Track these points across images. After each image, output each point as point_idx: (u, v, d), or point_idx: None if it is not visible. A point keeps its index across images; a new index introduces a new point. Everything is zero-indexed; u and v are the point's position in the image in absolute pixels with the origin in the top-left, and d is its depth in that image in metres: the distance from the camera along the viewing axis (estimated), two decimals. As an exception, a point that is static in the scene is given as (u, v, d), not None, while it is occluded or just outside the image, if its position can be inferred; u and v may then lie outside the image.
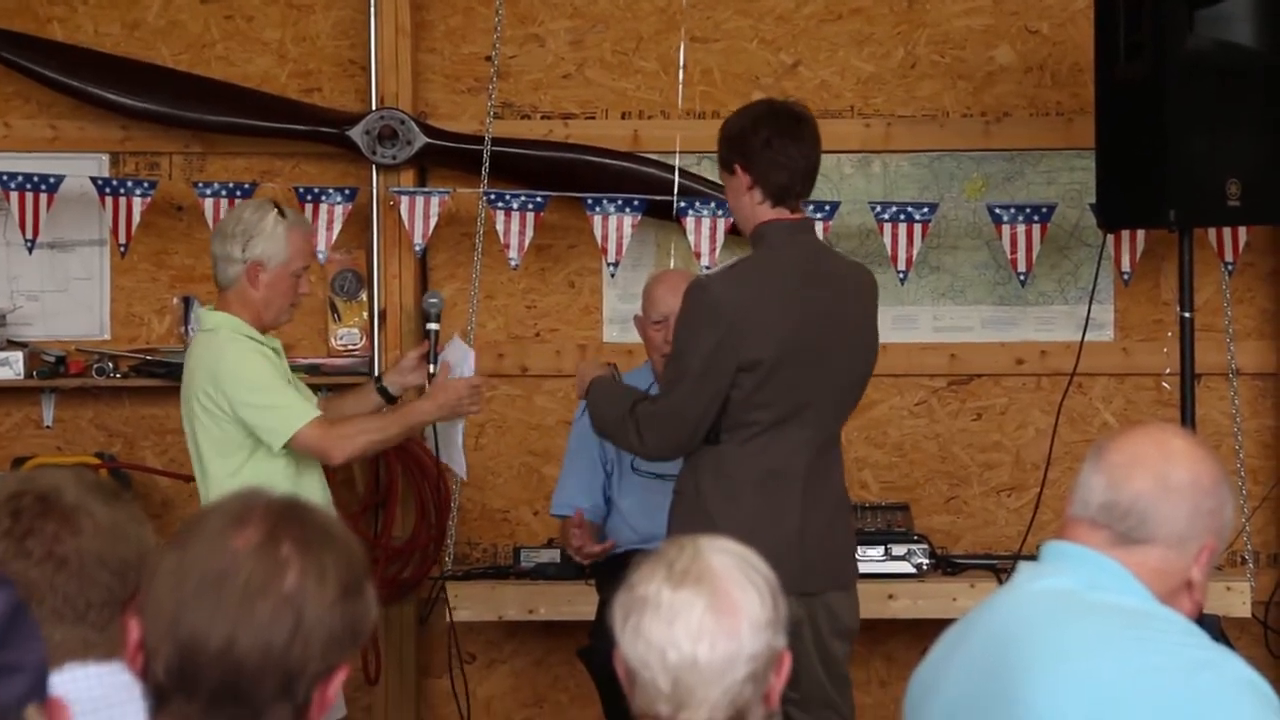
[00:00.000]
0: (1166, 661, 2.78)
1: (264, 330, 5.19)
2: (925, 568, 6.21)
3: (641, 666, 2.61)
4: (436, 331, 5.44)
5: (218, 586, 2.25)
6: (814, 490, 4.83)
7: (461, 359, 5.45)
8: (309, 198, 6.63)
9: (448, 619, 6.40)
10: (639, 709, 2.64)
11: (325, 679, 2.29)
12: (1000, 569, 6.24)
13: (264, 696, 2.25)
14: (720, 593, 2.62)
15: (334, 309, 6.86)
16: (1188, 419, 5.96)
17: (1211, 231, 6.45)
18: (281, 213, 5.19)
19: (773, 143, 4.80)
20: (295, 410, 5.08)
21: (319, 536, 2.30)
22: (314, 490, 5.09)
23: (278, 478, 5.05)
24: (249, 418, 5.06)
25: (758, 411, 4.80)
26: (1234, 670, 2.79)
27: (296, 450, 5.09)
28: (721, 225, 6.54)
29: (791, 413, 4.81)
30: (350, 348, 6.84)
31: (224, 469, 5.12)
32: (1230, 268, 6.55)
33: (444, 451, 5.51)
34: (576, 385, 5.32)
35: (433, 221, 6.61)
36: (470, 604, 6.34)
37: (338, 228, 6.63)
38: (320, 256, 6.66)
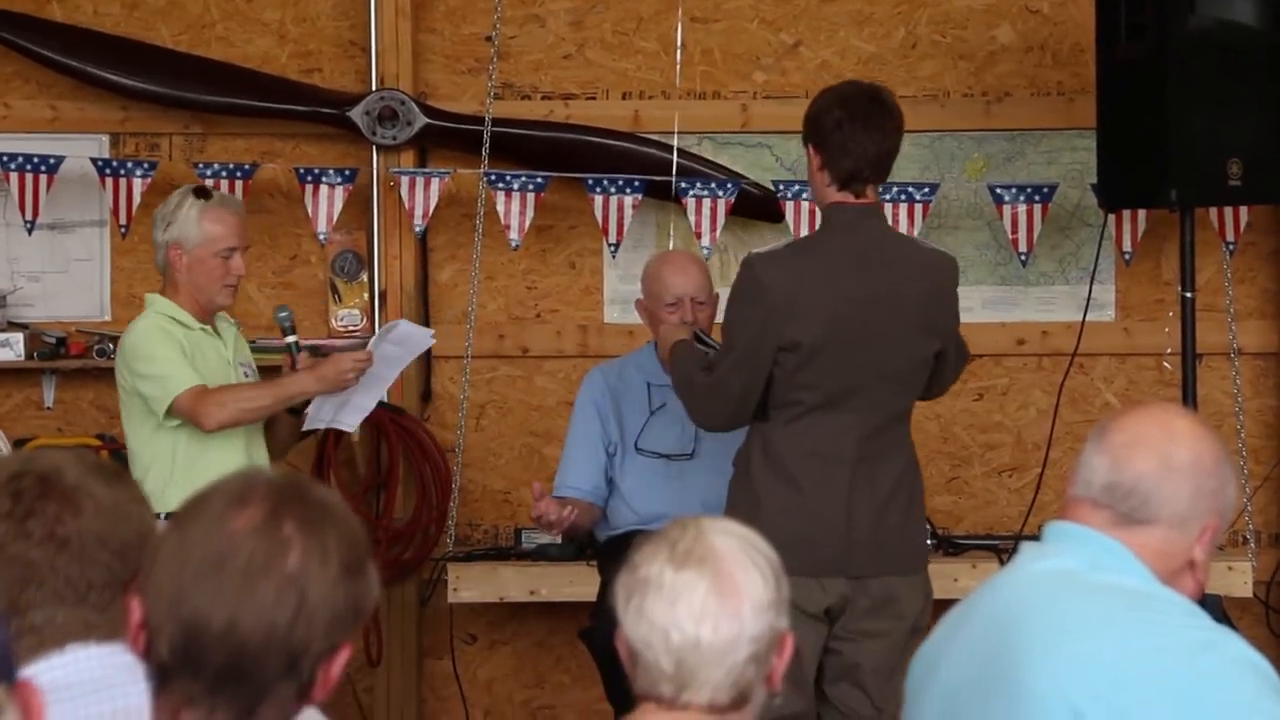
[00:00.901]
0: (1169, 643, 2.78)
1: (205, 313, 5.36)
2: (927, 548, 6.19)
3: (644, 647, 2.62)
4: (295, 343, 5.49)
5: (220, 567, 2.25)
6: (865, 474, 4.82)
7: (414, 338, 5.55)
8: (309, 178, 6.63)
9: (449, 600, 6.40)
10: (641, 690, 2.65)
11: (329, 658, 2.29)
12: (1002, 549, 6.24)
13: (268, 676, 2.25)
14: (723, 574, 2.62)
15: (334, 290, 6.86)
16: (1189, 399, 5.97)
17: (1213, 211, 6.45)
18: (203, 196, 5.35)
19: (844, 126, 4.82)
20: (175, 379, 5.22)
21: (320, 515, 2.31)
22: (229, 463, 5.11)
23: (181, 450, 5.22)
24: (140, 388, 5.26)
25: (801, 392, 4.81)
26: (1235, 650, 2.79)
27: (178, 417, 5.22)
28: (722, 205, 6.54)
29: (838, 396, 4.81)
30: (351, 329, 6.83)
31: (137, 441, 5.32)
32: (1231, 247, 6.54)
33: (320, 410, 5.49)
34: (660, 348, 5.42)
35: (433, 202, 6.61)
36: (471, 585, 6.34)
37: (338, 208, 6.63)
38: (321, 237, 6.68)
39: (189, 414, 5.21)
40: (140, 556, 2.66)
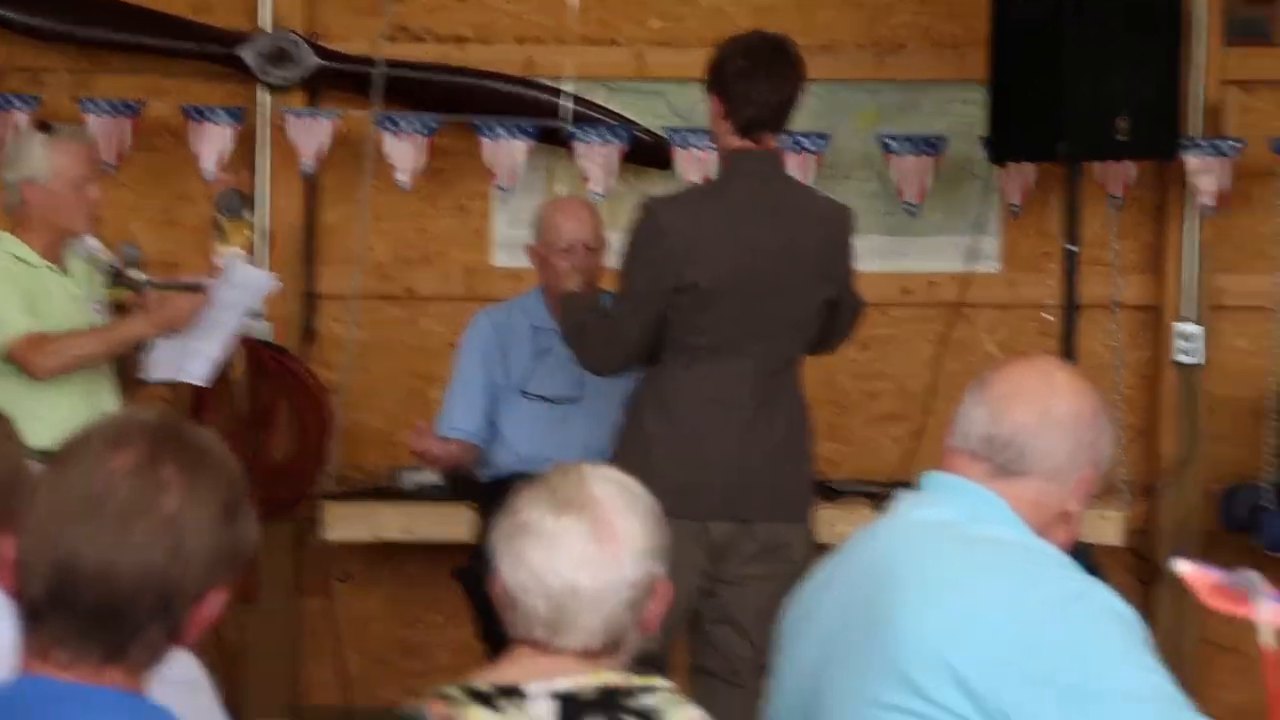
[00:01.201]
0: (1040, 594, 2.80)
1: (56, 250, 5.28)
2: (814, 497, 6.18)
3: (521, 592, 2.63)
4: (147, 281, 5.43)
5: (97, 507, 2.23)
6: (759, 419, 4.86)
7: (253, 282, 5.50)
8: (197, 117, 6.58)
9: (326, 539, 6.37)
10: (516, 633, 2.66)
11: (203, 601, 2.28)
12: (880, 497, 6.26)
13: (141, 617, 2.24)
14: (602, 521, 2.63)
15: (220, 229, 6.81)
16: (1069, 351, 6.03)
17: (1099, 166, 6.49)
18: (46, 129, 5.32)
19: (747, 75, 4.86)
20: (10, 323, 5.17)
21: (199, 458, 2.29)
22: (67, 407, 5.07)
23: (21, 393, 5.08)
24: None
25: (695, 336, 4.84)
26: (1104, 602, 2.81)
27: (14, 363, 5.17)
28: (614, 152, 6.53)
29: (733, 341, 4.83)
30: (237, 268, 6.78)
31: None
32: (1117, 202, 6.60)
33: (161, 356, 5.43)
34: (548, 295, 5.44)
35: (322, 143, 6.57)
36: (349, 524, 6.29)
37: (226, 148, 6.58)
38: (207, 176, 6.62)
39: (20, 360, 5.16)
40: (12, 494, 2.65)
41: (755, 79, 4.85)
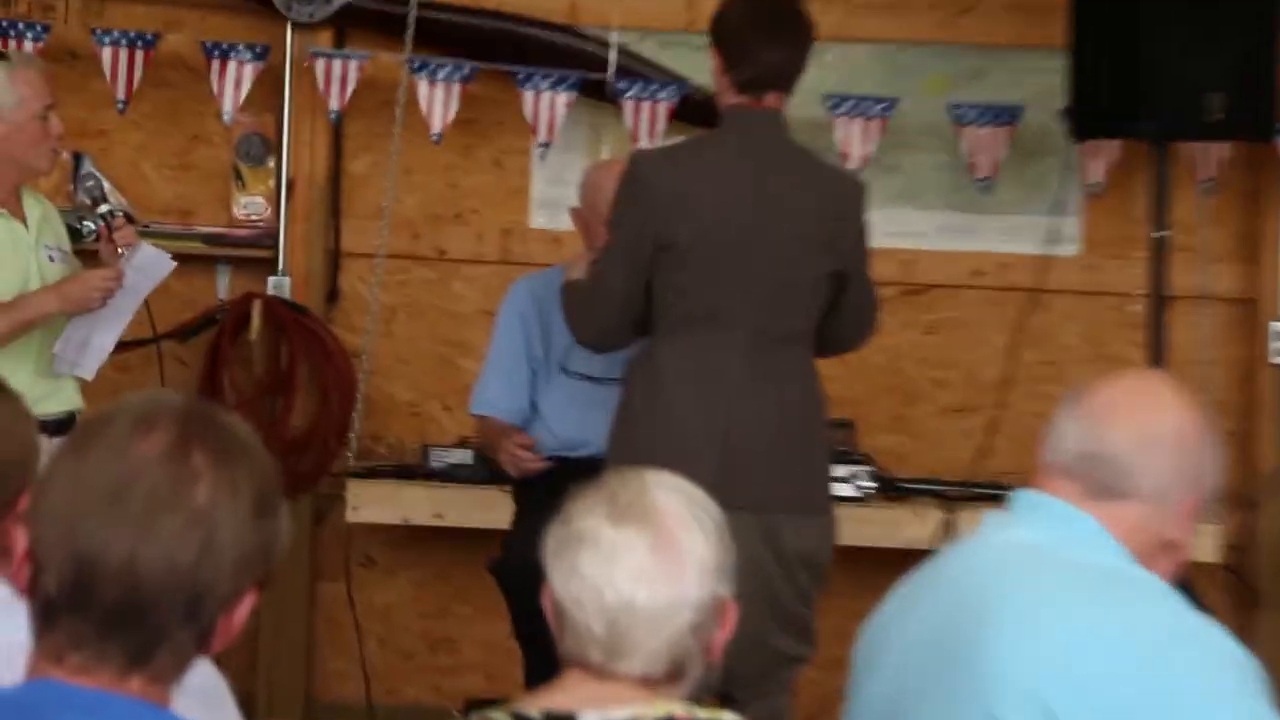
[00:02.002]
0: (1149, 631, 2.75)
1: (11, 189, 5.22)
2: (869, 491, 6.15)
3: (574, 606, 2.59)
4: (109, 212, 5.31)
5: (120, 495, 2.18)
6: (752, 396, 4.79)
7: (153, 265, 5.37)
8: (216, 54, 6.54)
9: (347, 519, 6.34)
10: (568, 652, 2.62)
11: (233, 603, 2.24)
12: (949, 496, 6.20)
13: (166, 619, 2.19)
14: (665, 533, 2.59)
15: (239, 175, 6.79)
16: (1157, 345, 5.96)
17: (1187, 146, 6.42)
18: (2, 58, 5.27)
19: (745, 35, 4.85)
20: None
21: (232, 446, 2.25)
22: (26, 381, 4.96)
23: None
24: None
25: (679, 299, 4.78)
26: (1217, 644, 2.76)
27: None
28: (663, 109, 6.49)
29: (721, 307, 4.77)
30: (254, 218, 6.77)
31: None
32: (1207, 186, 6.53)
33: (67, 347, 5.29)
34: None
35: (350, 87, 6.54)
36: (372, 504, 6.27)
37: (246, 88, 6.56)
38: (226, 118, 6.59)
39: None
40: (22, 477, 2.61)
41: (755, 36, 4.85)
